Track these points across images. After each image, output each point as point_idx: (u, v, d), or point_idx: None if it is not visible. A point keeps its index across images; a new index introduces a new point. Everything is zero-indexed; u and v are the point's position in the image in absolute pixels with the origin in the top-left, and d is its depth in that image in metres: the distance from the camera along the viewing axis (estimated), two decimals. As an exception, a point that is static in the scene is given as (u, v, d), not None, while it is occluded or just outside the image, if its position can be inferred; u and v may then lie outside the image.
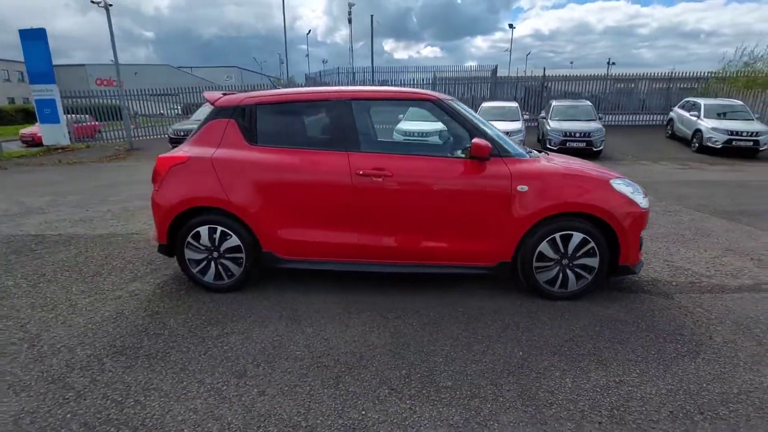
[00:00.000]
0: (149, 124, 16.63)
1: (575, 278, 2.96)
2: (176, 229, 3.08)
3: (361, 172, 2.87)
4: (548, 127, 11.73)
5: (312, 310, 2.90)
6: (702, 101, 12.74)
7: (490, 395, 2.04)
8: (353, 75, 21.10)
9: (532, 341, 2.52)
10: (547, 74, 17.99)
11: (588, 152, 10.84)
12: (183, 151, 3.11)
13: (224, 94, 3.21)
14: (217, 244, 3.05)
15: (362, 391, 2.07)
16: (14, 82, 44.59)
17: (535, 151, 3.30)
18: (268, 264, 3.09)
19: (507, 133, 3.40)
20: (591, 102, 13.39)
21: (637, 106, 17.18)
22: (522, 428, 1.83)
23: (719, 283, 3.34)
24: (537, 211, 2.83)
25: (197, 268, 3.13)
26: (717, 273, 3.55)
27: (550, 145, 11.28)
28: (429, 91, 3.20)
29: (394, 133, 9.43)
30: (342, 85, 17.58)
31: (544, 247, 2.90)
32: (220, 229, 3.01)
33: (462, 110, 3.10)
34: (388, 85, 17.15)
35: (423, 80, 19.09)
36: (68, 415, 1.92)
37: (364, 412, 1.93)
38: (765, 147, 11.20)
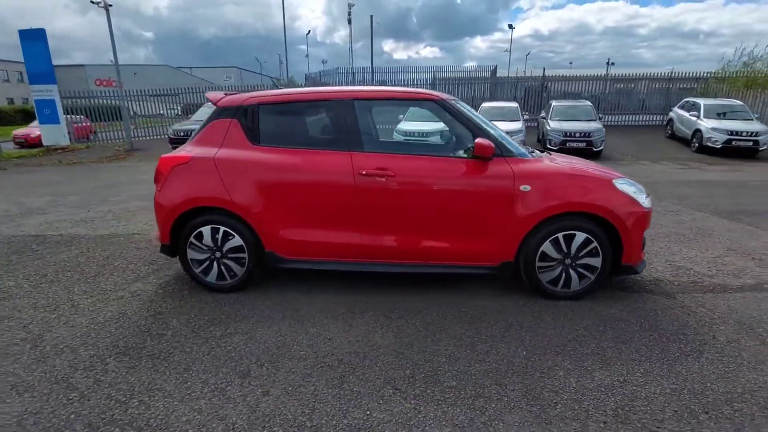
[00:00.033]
0: (149, 125, 16.61)
1: (578, 278, 2.96)
2: (179, 230, 3.08)
3: (363, 172, 2.87)
4: (548, 127, 11.74)
5: (315, 310, 2.89)
6: (702, 101, 12.76)
7: (494, 395, 2.04)
8: (353, 75, 21.11)
9: (536, 341, 2.52)
10: (546, 74, 18.00)
11: (588, 152, 10.84)
12: (185, 151, 3.11)
13: (227, 94, 3.21)
14: (219, 244, 3.04)
15: (366, 391, 2.07)
16: (13, 82, 44.54)
17: (537, 151, 3.30)
18: (271, 264, 3.09)
19: (507, 133, 3.41)
20: (591, 102, 13.41)
21: (637, 107, 17.20)
22: (527, 428, 1.83)
23: (721, 283, 3.34)
24: (540, 211, 2.83)
25: (200, 269, 3.12)
26: (719, 273, 3.56)
27: (550, 145, 11.29)
28: (432, 91, 3.20)
29: (395, 133, 9.43)
30: (342, 85, 17.57)
31: (546, 246, 2.90)
32: (222, 229, 3.01)
33: (465, 110, 3.10)
34: (388, 86, 17.15)
35: (422, 81, 19.11)
36: (72, 416, 1.91)
37: (368, 412, 1.92)
38: (764, 147, 11.22)
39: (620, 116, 16.71)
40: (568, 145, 10.96)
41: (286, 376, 2.19)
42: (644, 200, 2.94)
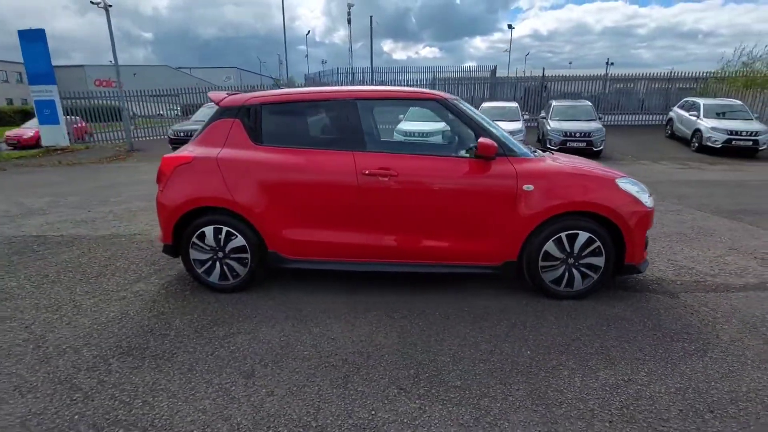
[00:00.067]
0: (149, 125, 16.59)
1: (581, 277, 2.96)
2: (181, 230, 3.07)
3: (366, 172, 2.86)
4: (548, 127, 11.75)
5: (318, 310, 2.89)
6: (701, 101, 12.78)
7: (499, 395, 2.04)
8: (352, 75, 21.13)
9: (540, 340, 2.52)
10: (546, 74, 18.02)
11: (588, 152, 10.85)
12: (188, 151, 3.10)
13: (229, 94, 3.20)
14: (222, 244, 3.04)
15: (371, 391, 2.07)
16: (12, 83, 44.47)
17: (539, 151, 3.30)
18: (274, 264, 3.08)
19: (507, 133, 3.41)
20: (590, 102, 13.42)
21: (636, 106, 17.22)
22: (533, 428, 1.82)
23: (724, 282, 3.35)
24: (543, 211, 2.83)
25: (202, 269, 3.12)
26: (721, 272, 3.56)
27: (550, 145, 11.30)
28: (434, 91, 3.20)
29: (395, 133, 9.43)
30: (341, 85, 17.58)
31: (549, 246, 2.89)
32: (225, 229, 3.01)
33: (467, 110, 3.10)
34: (388, 86, 17.14)
35: (422, 81, 19.13)
36: (76, 417, 1.91)
37: (374, 412, 1.92)
38: (764, 146, 11.24)
39: (620, 116, 16.73)
40: (568, 144, 10.96)
41: (290, 376, 2.19)
42: (647, 199, 2.95)
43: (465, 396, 2.03)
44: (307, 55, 49.37)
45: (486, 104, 12.76)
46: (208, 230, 3.02)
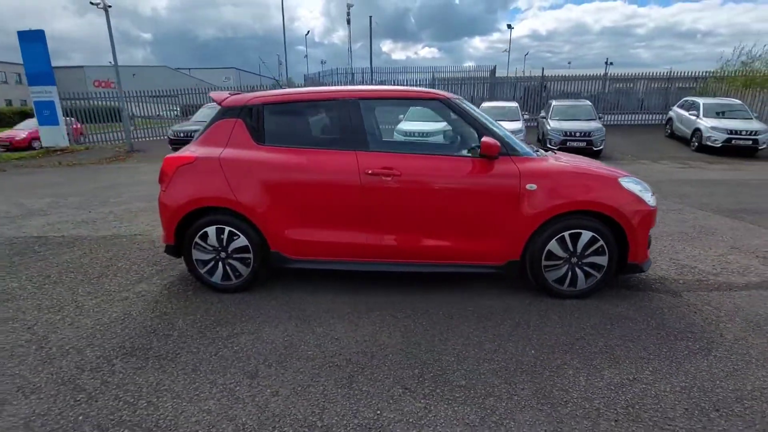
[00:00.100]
0: (148, 126, 16.57)
1: (584, 277, 2.96)
2: (183, 230, 3.07)
3: (369, 172, 2.86)
4: (548, 127, 11.76)
5: (321, 310, 2.88)
6: (701, 100, 12.79)
7: (504, 394, 2.03)
8: (352, 76, 21.12)
9: (543, 340, 2.51)
10: (545, 74, 18.03)
11: (588, 152, 10.84)
12: (190, 151, 3.10)
13: (231, 94, 3.20)
14: (224, 244, 3.03)
15: (376, 391, 2.06)
16: (12, 84, 44.39)
17: (541, 150, 3.30)
18: (277, 264, 3.08)
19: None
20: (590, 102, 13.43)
21: (636, 106, 17.23)
22: (539, 427, 1.82)
23: (726, 281, 3.35)
24: (546, 210, 2.82)
25: (205, 269, 3.11)
26: (723, 271, 3.56)
27: (550, 144, 11.29)
28: (437, 90, 3.20)
29: (395, 133, 9.43)
30: (341, 86, 17.57)
31: (553, 245, 2.89)
32: (227, 229, 3.00)
33: (470, 109, 3.09)
34: (390, 86, 17.14)
35: (422, 81, 19.12)
36: (80, 417, 1.90)
37: (379, 412, 1.92)
38: (764, 146, 11.25)
39: (619, 116, 16.74)
40: (568, 144, 10.97)
41: (295, 376, 2.18)
42: (650, 198, 2.94)
43: (470, 395, 2.03)
44: (306, 56, 49.37)
45: (486, 104, 12.76)
46: (211, 230, 3.01)
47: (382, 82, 19.63)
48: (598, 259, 2.91)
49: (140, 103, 16.40)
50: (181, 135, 11.89)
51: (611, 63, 35.82)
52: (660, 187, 7.20)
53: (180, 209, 3.00)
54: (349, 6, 31.11)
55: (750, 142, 11.20)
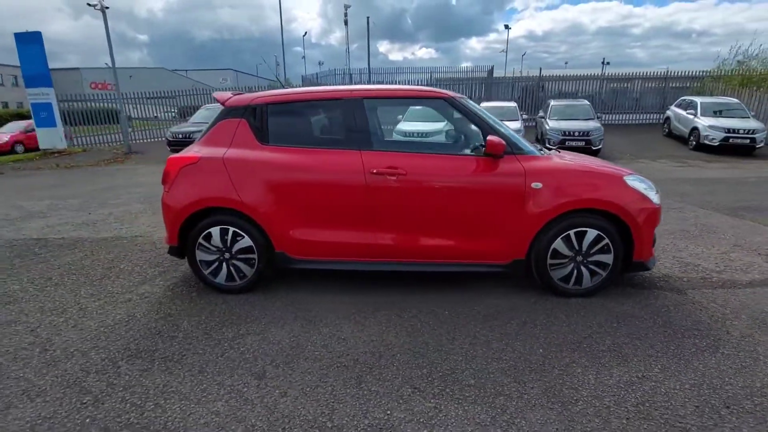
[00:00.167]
0: (146, 128, 16.52)
1: (590, 275, 2.96)
2: (187, 231, 3.05)
3: (374, 171, 2.85)
4: (547, 127, 11.78)
5: (326, 311, 2.87)
6: (699, 99, 12.84)
7: (514, 393, 2.02)
8: (350, 77, 21.12)
9: (551, 338, 2.51)
10: (543, 74, 18.08)
11: (587, 151, 10.85)
12: (193, 151, 3.08)
13: (234, 94, 3.18)
14: (229, 245, 3.02)
15: (385, 391, 2.05)
16: (8, 86, 44.10)
17: (545, 149, 3.30)
18: (281, 265, 3.06)
19: None
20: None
21: (633, 105, 17.29)
22: (550, 426, 1.81)
23: (730, 279, 3.35)
24: (551, 208, 2.82)
25: (209, 270, 3.09)
26: (727, 268, 3.57)
27: (549, 144, 11.31)
28: (441, 90, 3.19)
29: (394, 133, 9.41)
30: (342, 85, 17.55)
31: (558, 244, 2.89)
32: (232, 229, 2.98)
33: (475, 108, 3.09)
34: (392, 85, 17.13)
35: (420, 81, 19.14)
36: (87, 420, 1.88)
37: (389, 412, 1.90)
38: (761, 144, 11.32)
39: (617, 115, 16.80)
40: (566, 144, 10.99)
41: (303, 376, 2.17)
42: (654, 197, 2.95)
43: (480, 395, 2.02)
44: (304, 57, 49.47)
45: (484, 104, 12.76)
46: (215, 231, 3.00)
47: (380, 83, 19.64)
48: (603, 257, 2.90)
49: (137, 105, 16.34)
50: (180, 136, 11.85)
51: (608, 63, 35.99)
52: (660, 185, 7.12)
53: (184, 210, 2.98)
54: (346, 7, 31.12)
55: (747, 141, 11.26)
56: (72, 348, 2.46)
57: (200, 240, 3.02)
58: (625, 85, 17.60)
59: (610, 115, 16.36)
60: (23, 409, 1.96)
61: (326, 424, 1.83)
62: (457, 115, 3.08)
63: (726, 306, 2.88)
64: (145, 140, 16.18)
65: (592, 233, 2.86)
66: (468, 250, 2.96)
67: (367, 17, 26.17)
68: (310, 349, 2.43)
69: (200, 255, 3.06)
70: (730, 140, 11.31)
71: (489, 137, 2.79)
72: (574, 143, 11.00)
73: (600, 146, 11.26)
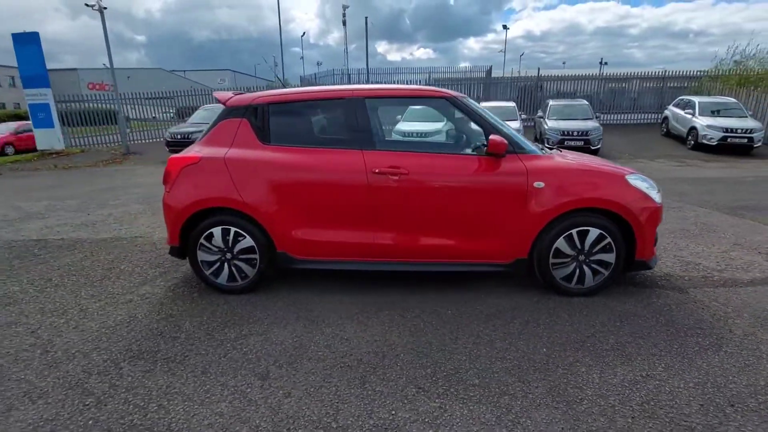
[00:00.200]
0: (144, 128, 16.47)
1: (592, 274, 2.96)
2: (188, 231, 3.04)
3: (377, 171, 2.84)
4: (546, 126, 11.80)
5: (328, 311, 2.86)
6: (697, 99, 12.89)
7: (519, 392, 2.02)
8: (348, 77, 21.11)
9: (554, 337, 2.50)
10: (541, 74, 18.12)
11: (585, 151, 10.87)
12: (194, 151, 3.06)
13: (235, 94, 3.17)
14: (230, 245, 3.00)
15: (389, 391, 2.04)
16: (5, 87, 43.90)
17: (547, 148, 3.30)
18: (283, 265, 3.05)
19: None
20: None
21: (631, 105, 17.34)
22: (555, 425, 1.81)
23: (731, 277, 3.36)
24: (553, 208, 2.82)
25: (210, 270, 3.08)
26: (728, 267, 3.57)
27: (548, 144, 11.34)
28: (442, 89, 3.19)
29: (393, 133, 9.41)
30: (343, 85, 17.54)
31: (560, 243, 2.89)
32: (233, 229, 2.97)
33: (476, 107, 3.09)
34: (393, 85, 17.13)
35: (418, 81, 19.14)
36: (90, 422, 1.87)
37: (394, 412, 1.90)
38: (759, 144, 11.36)
39: (615, 115, 16.84)
40: (565, 143, 11.01)
41: (306, 377, 2.16)
42: (656, 196, 2.95)
43: (485, 394, 2.01)
44: (302, 57, 49.43)
45: (483, 104, 12.73)
46: (216, 231, 2.98)
47: (379, 83, 19.63)
48: (605, 256, 2.91)
49: (135, 106, 16.29)
50: (179, 137, 11.80)
51: (606, 63, 36.07)
52: (659, 185, 7.19)
53: (185, 210, 2.96)
54: (344, 7, 31.10)
55: (745, 140, 11.31)
56: (73, 349, 2.44)
57: (201, 240, 3.01)
58: (623, 85, 17.66)
59: (609, 115, 16.41)
60: (25, 411, 1.94)
61: (331, 425, 1.82)
62: (458, 114, 3.08)
63: (728, 304, 2.89)
64: (143, 141, 16.13)
65: (594, 232, 2.86)
66: (470, 249, 2.95)
67: (366, 18, 26.20)
68: (313, 349, 2.42)
69: (202, 255, 3.05)
70: (728, 140, 11.36)
71: (491, 136, 2.79)
72: (572, 143, 11.03)
73: (599, 146, 11.29)
